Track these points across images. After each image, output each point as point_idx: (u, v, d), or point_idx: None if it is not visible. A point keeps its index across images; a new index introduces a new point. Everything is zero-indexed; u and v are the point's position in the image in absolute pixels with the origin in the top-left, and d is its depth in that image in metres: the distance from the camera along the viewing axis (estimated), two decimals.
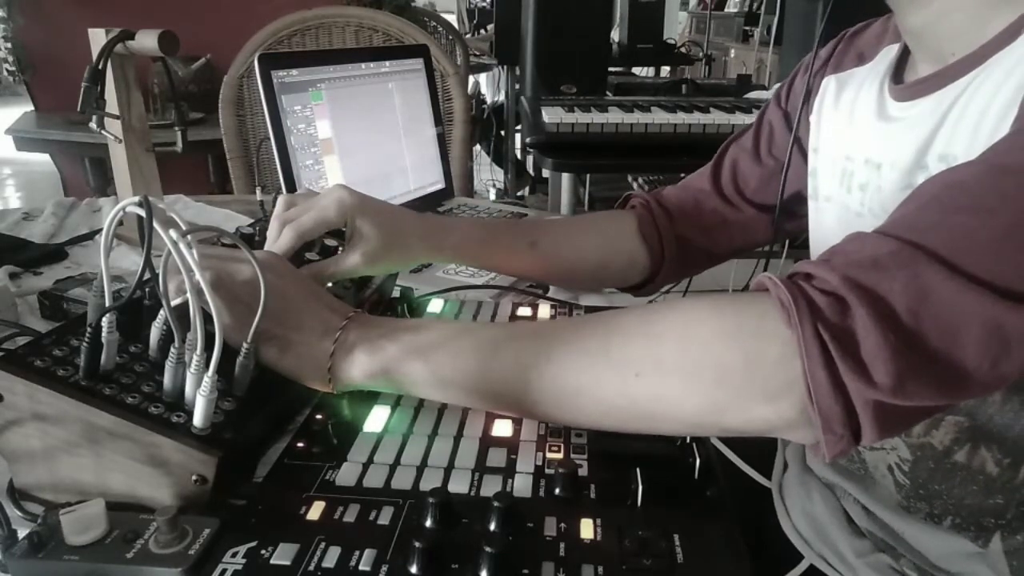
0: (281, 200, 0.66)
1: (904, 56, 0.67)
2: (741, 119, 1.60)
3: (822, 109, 0.75)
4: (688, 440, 0.52)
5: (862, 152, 0.66)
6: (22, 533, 0.42)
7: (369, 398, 0.58)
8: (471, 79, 3.67)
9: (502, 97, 3.78)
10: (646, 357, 0.47)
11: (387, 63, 1.14)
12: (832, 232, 0.71)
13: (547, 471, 0.50)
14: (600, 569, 0.41)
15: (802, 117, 0.78)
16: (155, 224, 0.45)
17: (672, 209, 0.86)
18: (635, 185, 2.33)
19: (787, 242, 1.90)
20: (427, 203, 1.18)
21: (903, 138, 0.60)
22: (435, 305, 0.76)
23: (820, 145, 0.74)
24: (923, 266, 0.41)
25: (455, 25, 4.02)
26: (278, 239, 0.63)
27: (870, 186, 0.65)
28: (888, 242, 0.43)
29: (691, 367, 0.46)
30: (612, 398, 0.48)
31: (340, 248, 0.66)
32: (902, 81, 0.65)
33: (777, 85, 0.85)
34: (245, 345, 0.49)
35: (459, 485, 0.48)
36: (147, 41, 0.93)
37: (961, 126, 0.54)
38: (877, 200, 0.63)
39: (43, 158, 2.83)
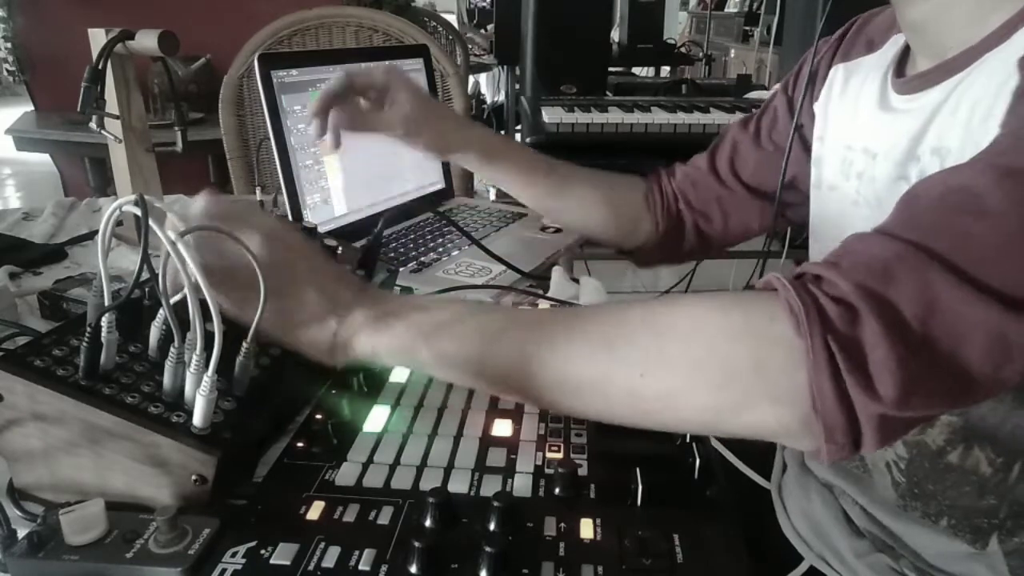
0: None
1: (908, 48, 0.67)
2: None
3: (830, 98, 0.75)
4: (688, 440, 0.52)
5: (862, 141, 0.67)
6: (22, 533, 0.42)
7: (369, 398, 0.58)
8: (471, 79, 3.67)
9: (502, 97, 3.78)
10: (650, 354, 0.47)
11: (387, 63, 1.14)
12: (834, 221, 0.71)
13: (547, 471, 0.50)
14: (600, 569, 0.41)
15: (804, 105, 0.78)
16: (152, 223, 0.45)
17: (675, 184, 0.90)
18: None
19: (787, 242, 1.90)
20: (427, 203, 1.18)
21: (899, 129, 0.61)
22: None
23: (826, 134, 0.74)
24: (934, 273, 0.41)
25: (455, 25, 4.02)
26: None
27: (865, 175, 0.65)
28: (896, 245, 0.43)
29: (695, 366, 0.45)
30: (614, 393, 0.47)
31: (339, 249, 0.66)
32: (904, 74, 0.66)
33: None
34: (245, 345, 0.49)
35: (459, 485, 0.48)
36: (147, 41, 0.93)
37: (955, 120, 0.55)
38: (871, 189, 0.64)
39: (43, 158, 2.82)
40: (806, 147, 0.78)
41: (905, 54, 0.67)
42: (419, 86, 0.81)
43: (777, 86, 0.86)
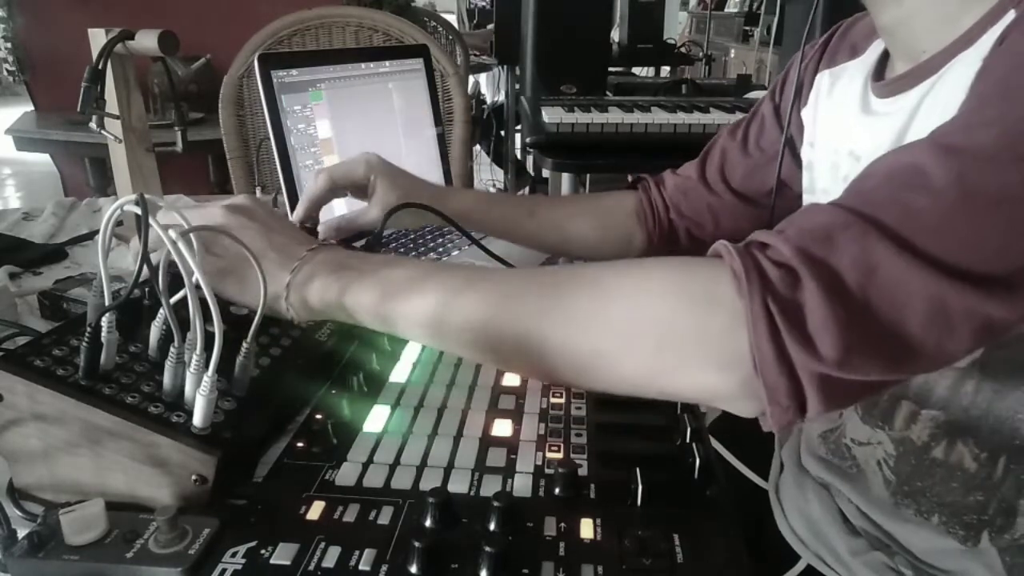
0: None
1: (888, 51, 0.67)
2: None
3: (817, 105, 0.76)
4: (688, 440, 0.52)
5: (847, 144, 0.68)
6: (22, 533, 0.42)
7: (369, 398, 0.58)
8: (471, 79, 3.67)
9: (502, 97, 3.77)
10: (593, 313, 0.47)
11: (387, 63, 1.14)
12: None
13: (547, 471, 0.50)
14: (600, 569, 0.41)
15: (793, 113, 0.79)
16: (153, 222, 0.45)
17: (666, 194, 0.91)
18: None
19: None
20: None
21: (881, 132, 0.61)
22: None
23: (816, 140, 0.75)
24: (874, 240, 0.41)
25: (455, 25, 4.02)
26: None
27: (851, 179, 0.66)
28: (841, 214, 0.43)
29: (636, 327, 0.45)
30: (556, 350, 0.47)
31: None
32: (883, 78, 0.66)
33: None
34: (245, 345, 0.49)
35: (459, 485, 0.48)
36: (147, 41, 0.93)
37: (930, 121, 0.55)
38: None
39: (43, 158, 2.82)
40: (794, 153, 0.79)
41: (885, 58, 0.68)
42: (398, 171, 0.81)
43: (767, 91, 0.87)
